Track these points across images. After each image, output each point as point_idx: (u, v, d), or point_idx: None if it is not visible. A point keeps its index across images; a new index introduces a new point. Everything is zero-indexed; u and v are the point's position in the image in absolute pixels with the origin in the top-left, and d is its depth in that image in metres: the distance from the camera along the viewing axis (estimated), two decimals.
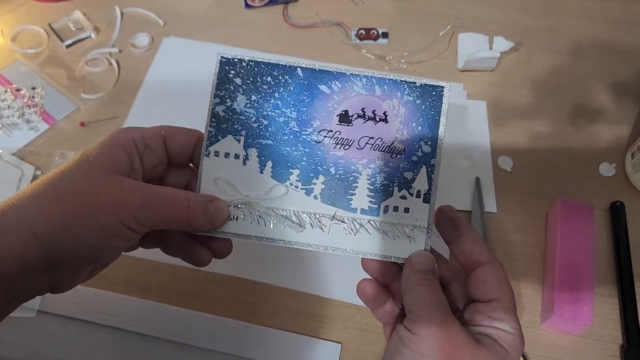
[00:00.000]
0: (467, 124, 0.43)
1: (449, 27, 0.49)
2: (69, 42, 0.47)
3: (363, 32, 0.49)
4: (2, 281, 0.20)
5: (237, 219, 0.26)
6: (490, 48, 0.46)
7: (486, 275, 0.23)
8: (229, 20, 0.50)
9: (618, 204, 0.38)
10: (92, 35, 0.48)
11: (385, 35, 0.49)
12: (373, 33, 0.49)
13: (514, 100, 0.45)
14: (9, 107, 0.43)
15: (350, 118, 0.26)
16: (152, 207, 0.23)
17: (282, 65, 0.26)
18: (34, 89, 0.44)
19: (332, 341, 0.33)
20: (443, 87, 0.25)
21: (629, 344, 0.33)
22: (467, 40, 0.46)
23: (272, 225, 0.26)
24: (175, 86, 0.46)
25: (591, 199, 0.39)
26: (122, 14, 0.50)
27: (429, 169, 0.26)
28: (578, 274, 0.34)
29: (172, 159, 0.26)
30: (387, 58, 0.47)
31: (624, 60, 0.48)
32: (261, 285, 0.35)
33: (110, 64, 0.46)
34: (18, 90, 0.44)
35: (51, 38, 0.47)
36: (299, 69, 0.26)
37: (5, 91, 0.43)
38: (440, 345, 0.21)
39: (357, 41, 0.48)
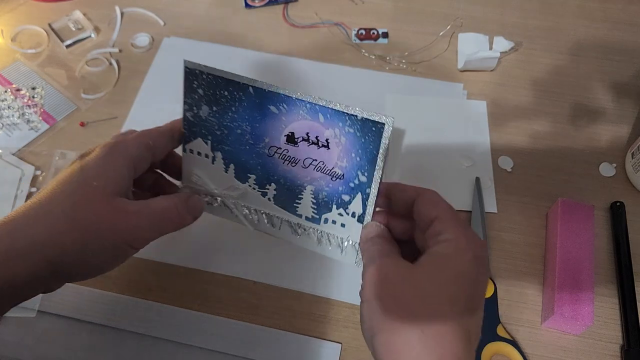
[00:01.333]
0: (467, 124, 0.43)
1: (449, 27, 0.49)
2: (69, 42, 0.47)
3: (363, 32, 0.49)
4: (12, 295, 0.22)
5: (211, 204, 0.31)
6: (491, 48, 0.46)
7: (420, 204, 0.24)
8: (229, 20, 0.50)
9: (618, 204, 0.38)
10: (92, 35, 0.48)
11: (385, 35, 0.49)
12: (373, 33, 0.49)
13: (514, 100, 0.45)
14: (9, 107, 0.43)
15: (296, 140, 0.27)
16: (154, 224, 0.25)
17: (235, 82, 0.27)
18: (34, 89, 0.44)
19: (332, 341, 0.33)
20: (384, 124, 0.24)
21: (629, 344, 0.33)
22: (467, 40, 0.46)
23: (236, 214, 0.31)
24: (176, 86, 0.45)
25: (591, 199, 0.39)
26: (122, 13, 0.50)
27: (364, 196, 0.27)
28: (578, 274, 0.34)
29: (153, 163, 0.29)
30: (387, 58, 0.47)
31: (624, 60, 0.48)
32: (261, 285, 0.35)
33: (111, 64, 0.46)
34: (18, 90, 0.44)
35: (51, 38, 0.47)
36: (250, 88, 0.27)
37: (5, 91, 0.43)
38: (374, 281, 0.22)
39: (357, 41, 0.48)
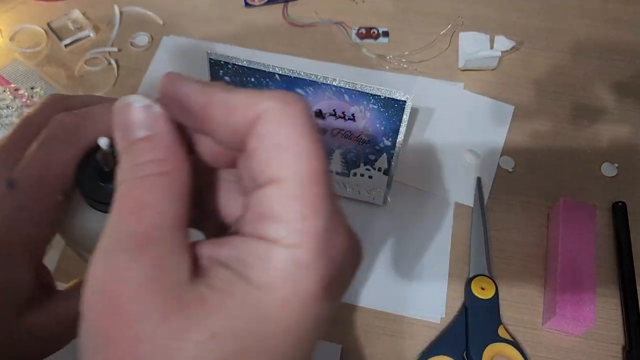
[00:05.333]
0: (487, 123, 0.43)
1: (449, 26, 0.48)
2: (67, 41, 0.47)
3: (363, 31, 0.49)
4: None
5: None
6: (491, 47, 0.46)
7: (255, 151, 0.12)
8: (228, 19, 0.50)
9: (620, 204, 0.38)
10: (91, 35, 0.48)
11: (385, 34, 0.49)
12: (373, 32, 0.49)
13: (515, 100, 0.45)
14: (7, 107, 0.42)
15: (323, 115, 0.31)
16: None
17: (261, 70, 0.28)
18: (32, 88, 0.44)
19: (332, 343, 0.33)
20: (405, 101, 0.30)
21: (631, 345, 0.33)
22: (468, 40, 0.46)
23: None
24: None
25: (593, 199, 0.39)
26: (121, 13, 0.50)
27: (389, 156, 0.32)
28: (580, 275, 0.34)
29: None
30: (388, 57, 0.47)
31: (625, 59, 0.48)
32: None
33: (110, 63, 0.46)
34: (17, 89, 0.43)
35: (50, 37, 0.47)
36: (276, 75, 0.28)
37: (4, 91, 0.43)
38: (96, 290, 0.12)
39: (358, 40, 0.48)
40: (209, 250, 0.13)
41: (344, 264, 0.13)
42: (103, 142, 0.15)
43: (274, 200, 0.12)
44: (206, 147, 0.15)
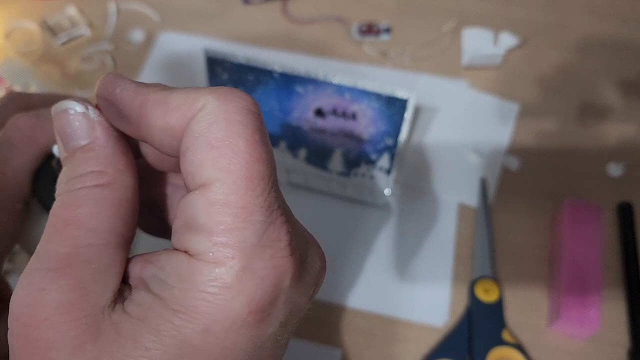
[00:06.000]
0: (491, 122, 0.42)
1: (453, 22, 0.48)
2: (63, 39, 0.46)
3: (365, 27, 0.48)
4: None
5: None
6: (496, 44, 0.45)
7: (188, 151, 0.11)
8: (226, 15, 0.49)
9: (626, 205, 0.38)
10: (87, 32, 0.47)
11: (387, 30, 0.48)
12: (375, 28, 0.48)
13: (519, 98, 0.44)
14: None
15: (324, 113, 0.31)
16: None
17: (260, 68, 0.28)
18: (28, 87, 0.43)
19: (332, 346, 0.32)
20: (407, 99, 0.28)
21: (637, 348, 0.32)
22: (472, 37, 0.45)
23: None
24: (172, 82, 0.45)
25: (598, 199, 0.38)
26: (117, 9, 0.49)
27: (391, 155, 0.32)
28: (585, 277, 0.33)
29: None
30: (390, 54, 0.46)
31: (632, 57, 0.47)
32: None
33: (105, 60, 0.45)
34: (11, 88, 0.43)
35: (45, 35, 0.46)
36: (274, 73, 0.28)
37: None
38: (21, 303, 0.11)
39: (359, 37, 0.47)
40: (138, 267, 0.12)
41: (288, 282, 0.11)
42: (56, 148, 0.14)
43: (199, 208, 0.10)
44: (151, 150, 0.13)
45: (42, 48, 0.46)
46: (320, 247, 0.13)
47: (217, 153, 0.10)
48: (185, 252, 0.11)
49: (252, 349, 0.10)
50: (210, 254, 0.10)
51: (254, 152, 0.11)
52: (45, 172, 0.15)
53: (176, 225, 0.11)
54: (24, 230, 0.16)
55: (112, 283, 0.11)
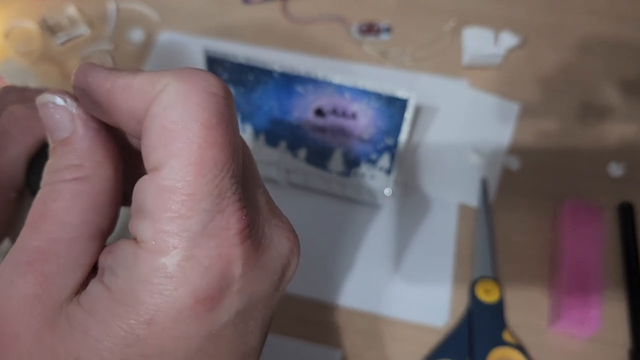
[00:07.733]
0: (492, 122, 0.42)
1: (453, 22, 0.48)
2: (63, 38, 0.46)
3: (365, 27, 0.48)
4: None
5: None
6: (496, 44, 0.45)
7: (146, 134, 0.11)
8: (226, 15, 0.49)
9: (627, 205, 0.37)
10: (87, 32, 0.47)
11: (387, 30, 0.48)
12: (375, 28, 0.48)
13: (519, 98, 0.44)
14: None
15: (324, 113, 0.31)
16: None
17: (260, 67, 0.28)
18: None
19: (331, 347, 0.32)
20: (407, 99, 0.28)
21: (637, 348, 0.32)
22: (472, 36, 0.45)
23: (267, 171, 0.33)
24: None
25: (599, 199, 0.38)
26: (117, 9, 0.49)
27: (390, 155, 0.32)
28: (586, 277, 0.33)
29: None
30: (390, 54, 0.46)
31: (633, 57, 0.47)
32: None
33: (105, 60, 0.45)
34: None
35: (45, 34, 0.46)
36: (274, 73, 0.28)
37: None
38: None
39: (359, 36, 0.47)
40: (103, 257, 0.11)
41: (240, 270, 0.10)
42: None
43: (148, 193, 0.10)
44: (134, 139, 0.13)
45: (41, 48, 0.46)
46: (293, 232, 0.13)
47: (169, 136, 0.10)
48: (135, 239, 0.11)
49: (205, 338, 0.10)
50: (153, 242, 0.10)
51: (208, 137, 0.10)
52: (39, 162, 0.15)
53: (132, 210, 0.11)
54: (16, 223, 0.16)
55: (75, 276, 0.11)
